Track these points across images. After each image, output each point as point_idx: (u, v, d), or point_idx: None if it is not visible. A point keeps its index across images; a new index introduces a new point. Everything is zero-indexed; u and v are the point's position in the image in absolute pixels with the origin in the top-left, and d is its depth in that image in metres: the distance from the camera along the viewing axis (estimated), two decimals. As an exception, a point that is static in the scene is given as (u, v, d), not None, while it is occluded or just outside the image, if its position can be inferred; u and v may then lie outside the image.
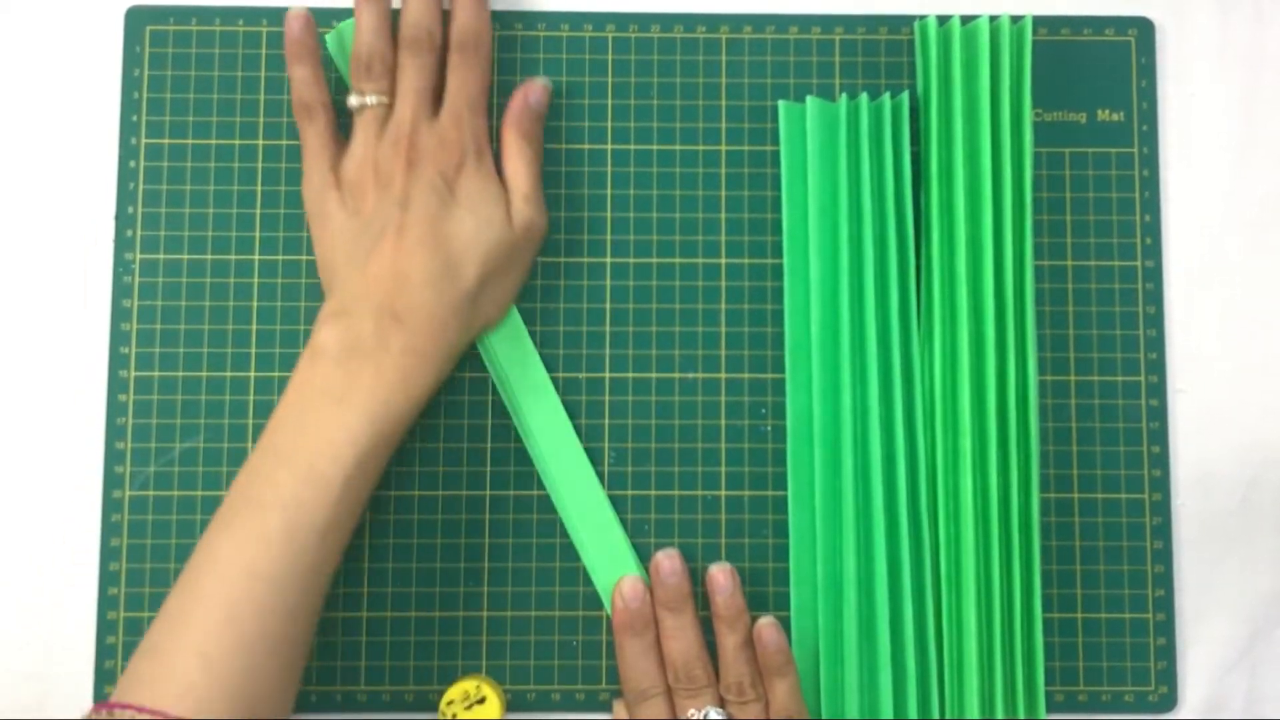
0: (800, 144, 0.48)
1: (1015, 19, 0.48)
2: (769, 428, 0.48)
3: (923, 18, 0.48)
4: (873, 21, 0.50)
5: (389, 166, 0.44)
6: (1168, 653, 0.47)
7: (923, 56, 0.48)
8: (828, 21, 0.50)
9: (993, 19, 0.47)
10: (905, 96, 0.48)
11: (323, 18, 0.49)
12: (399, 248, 0.42)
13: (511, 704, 0.47)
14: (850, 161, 0.47)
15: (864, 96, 0.48)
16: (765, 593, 0.47)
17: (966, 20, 0.48)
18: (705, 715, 0.43)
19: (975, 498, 0.46)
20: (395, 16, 0.47)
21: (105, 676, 0.46)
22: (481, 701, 0.45)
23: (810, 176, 0.47)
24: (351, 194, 0.44)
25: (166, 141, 0.49)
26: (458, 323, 0.43)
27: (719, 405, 0.48)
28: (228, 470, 0.47)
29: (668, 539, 0.47)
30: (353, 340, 0.42)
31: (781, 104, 0.48)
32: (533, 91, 0.47)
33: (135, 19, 0.49)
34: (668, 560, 0.46)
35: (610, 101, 0.49)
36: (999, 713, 0.45)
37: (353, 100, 0.45)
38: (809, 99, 0.48)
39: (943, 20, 0.48)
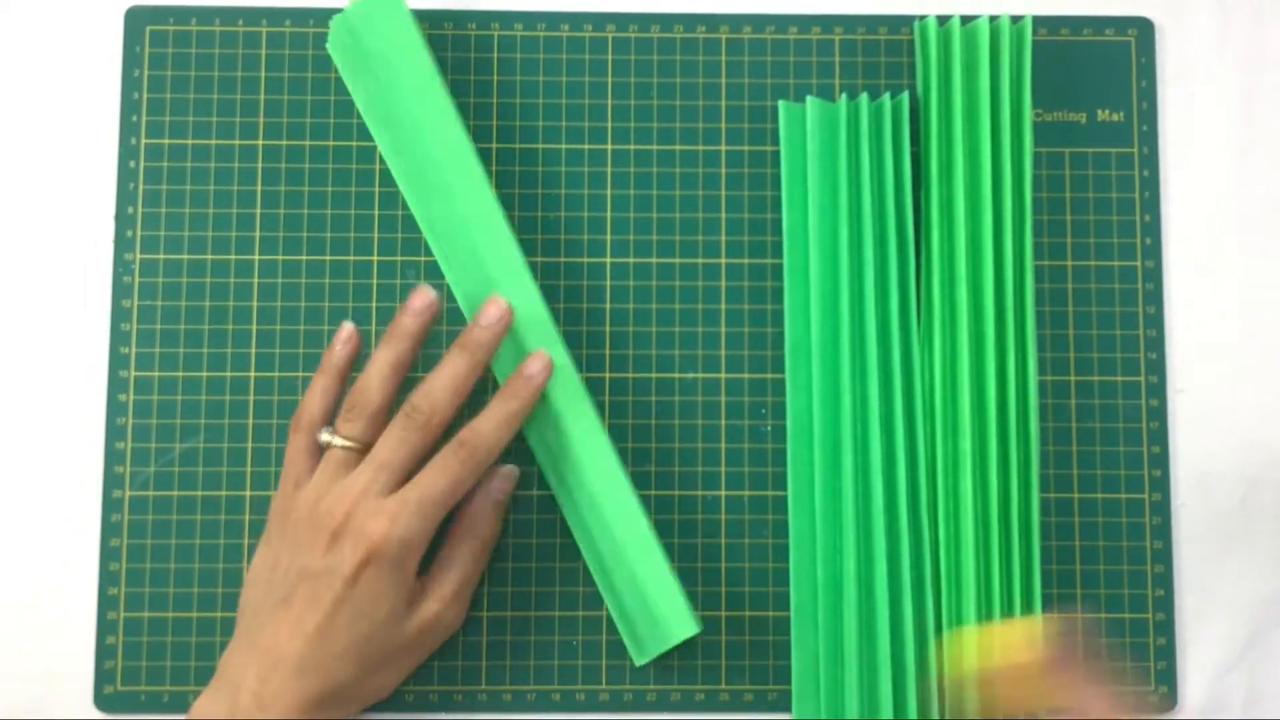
0: (800, 144, 0.48)
1: (1015, 19, 0.48)
2: (769, 428, 0.48)
3: (922, 18, 0.48)
4: (873, 22, 0.50)
5: (318, 527, 0.42)
6: (1168, 653, 0.47)
7: (922, 56, 0.48)
8: (827, 21, 0.50)
9: (992, 19, 0.47)
10: (905, 97, 0.48)
11: (322, 18, 0.49)
12: (280, 628, 0.41)
13: (511, 704, 0.47)
14: (850, 162, 0.47)
15: (864, 97, 0.48)
16: (765, 593, 0.47)
17: (966, 20, 0.48)
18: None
19: (975, 498, 0.46)
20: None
21: (105, 677, 0.46)
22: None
23: (810, 176, 0.47)
24: (286, 535, 0.43)
25: (166, 141, 0.49)
26: (326, 712, 0.41)
27: (719, 405, 0.48)
28: (228, 470, 0.47)
29: (668, 539, 0.47)
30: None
31: (781, 104, 0.48)
32: (496, 479, 0.46)
33: (135, 19, 0.49)
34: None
35: (610, 101, 0.49)
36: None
37: (323, 436, 0.44)
38: (809, 99, 0.48)
39: (942, 20, 0.48)
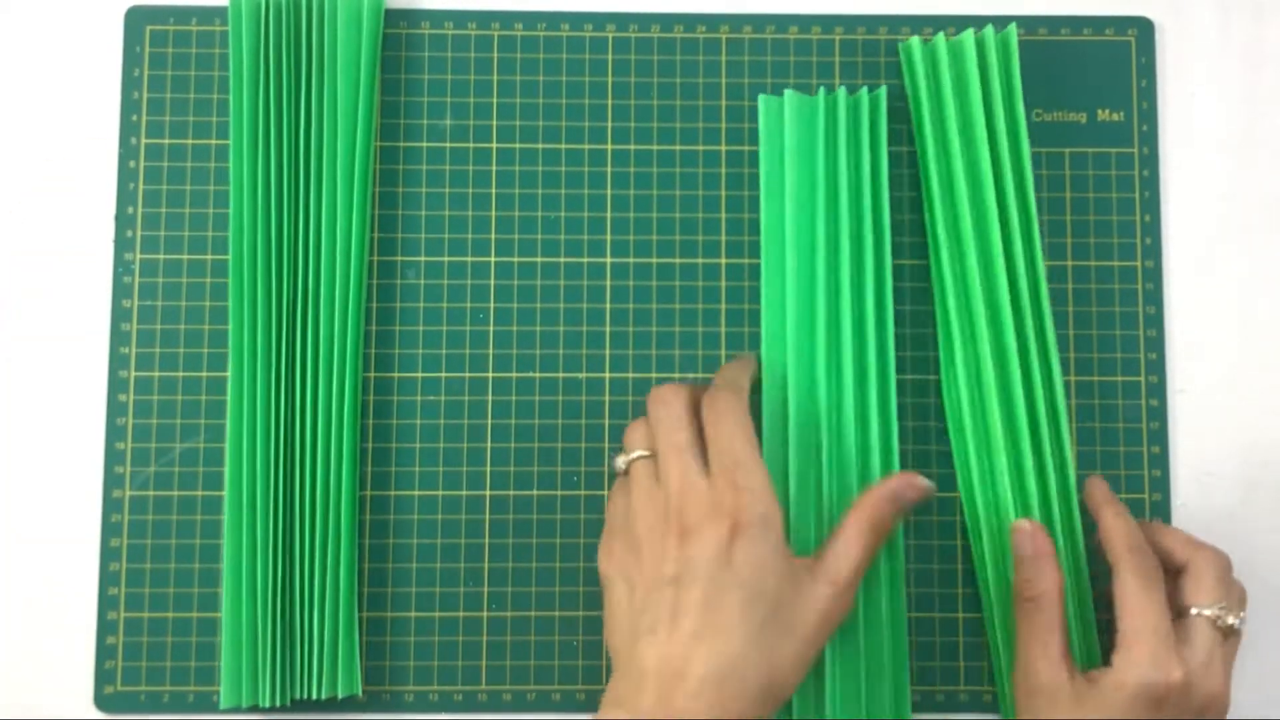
0: (779, 138, 0.48)
1: (1000, 26, 0.48)
2: (769, 428, 0.48)
3: (906, 40, 0.48)
4: (872, 22, 0.50)
5: (661, 538, 0.40)
6: (1168, 653, 0.47)
7: (910, 76, 0.48)
8: (827, 21, 0.50)
9: (977, 32, 0.47)
10: (883, 91, 0.48)
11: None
12: (672, 641, 0.38)
13: (511, 704, 0.47)
14: (828, 155, 0.47)
15: (842, 90, 0.48)
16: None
17: (954, 30, 0.48)
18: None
19: (1018, 512, 0.45)
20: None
21: (105, 676, 0.46)
22: None
23: (788, 170, 0.47)
24: (625, 564, 0.41)
25: (166, 141, 0.49)
26: (746, 711, 0.38)
27: (719, 405, 0.48)
28: (228, 470, 0.47)
29: (668, 539, 0.47)
30: None
31: (761, 98, 0.48)
32: (909, 489, 0.43)
33: (135, 19, 0.49)
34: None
35: (610, 101, 0.49)
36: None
37: (619, 461, 0.43)
38: (787, 92, 0.48)
39: (927, 29, 0.48)
